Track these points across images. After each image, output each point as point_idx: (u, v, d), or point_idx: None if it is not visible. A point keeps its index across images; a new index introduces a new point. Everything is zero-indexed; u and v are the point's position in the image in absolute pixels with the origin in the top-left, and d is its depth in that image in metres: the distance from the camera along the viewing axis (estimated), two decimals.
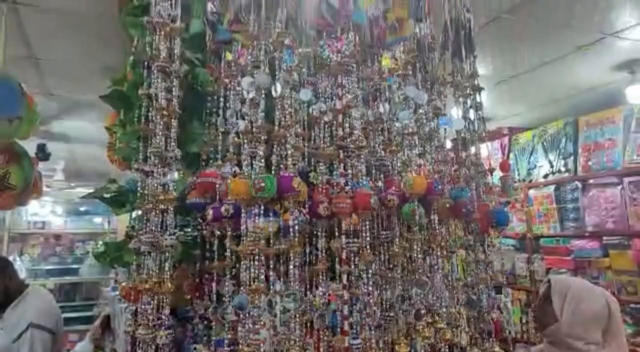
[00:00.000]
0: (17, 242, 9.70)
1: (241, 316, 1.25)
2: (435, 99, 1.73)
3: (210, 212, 1.42)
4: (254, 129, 1.26)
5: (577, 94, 4.57)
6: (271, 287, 1.27)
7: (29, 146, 3.12)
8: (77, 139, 6.09)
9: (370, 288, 1.37)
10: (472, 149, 1.68)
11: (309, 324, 1.40)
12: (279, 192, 1.21)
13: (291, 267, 1.27)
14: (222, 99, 1.65)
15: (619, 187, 4.08)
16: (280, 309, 1.27)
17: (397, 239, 1.54)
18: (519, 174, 5.24)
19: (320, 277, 1.38)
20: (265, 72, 1.28)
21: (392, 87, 1.67)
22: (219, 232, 1.51)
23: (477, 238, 1.64)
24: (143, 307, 1.38)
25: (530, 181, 5.07)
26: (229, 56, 1.65)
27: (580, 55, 3.68)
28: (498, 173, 2.12)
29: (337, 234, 1.38)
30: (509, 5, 2.94)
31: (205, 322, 1.62)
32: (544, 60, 3.80)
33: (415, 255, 1.51)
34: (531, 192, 4.99)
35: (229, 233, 1.44)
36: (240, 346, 1.21)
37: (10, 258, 6.69)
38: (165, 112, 1.40)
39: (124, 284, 1.78)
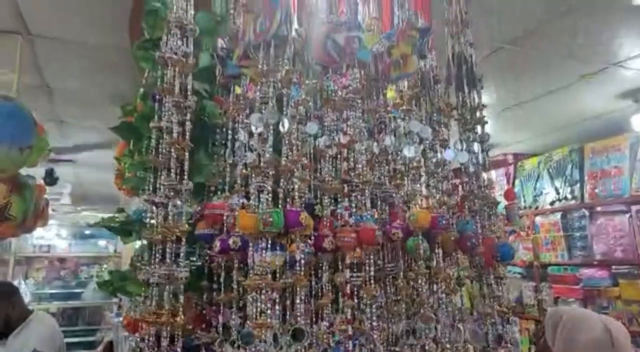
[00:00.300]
0: (22, 266, 9.72)
1: (247, 350, 1.24)
2: (440, 131, 1.75)
3: (217, 244, 1.43)
4: (262, 164, 1.28)
5: (582, 121, 4.59)
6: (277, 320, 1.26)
7: (37, 170, 3.18)
8: (84, 163, 6.16)
9: (375, 323, 1.36)
10: (477, 182, 1.69)
11: None
12: (286, 226, 1.22)
13: (297, 301, 1.27)
14: (230, 132, 1.68)
15: (627, 215, 4.06)
16: (286, 342, 1.27)
17: (401, 273, 1.54)
18: (525, 201, 5.23)
19: (325, 310, 1.38)
20: (274, 109, 1.31)
21: (397, 120, 1.70)
22: (225, 264, 1.51)
23: (482, 271, 1.64)
24: (150, 339, 1.37)
25: (537, 208, 5.05)
26: (238, 90, 1.69)
27: (584, 84, 3.71)
28: (503, 202, 2.12)
29: (341, 267, 1.38)
30: (511, 36, 2.99)
31: None
32: (547, 89, 3.84)
33: (420, 289, 1.50)
34: (537, 219, 4.97)
35: (236, 265, 1.44)
36: None
37: (15, 282, 6.70)
38: (178, 146, 1.42)
39: (130, 314, 1.78)
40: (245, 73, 1.56)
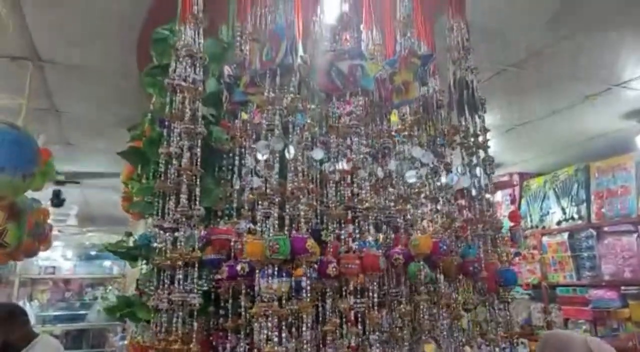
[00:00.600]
0: (27, 287, 9.70)
1: None
2: (444, 154, 1.76)
3: (225, 270, 1.43)
4: (268, 191, 1.30)
5: (587, 140, 4.59)
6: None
7: (44, 191, 3.19)
8: (91, 184, 6.21)
9: (379, 350, 1.35)
10: (479, 206, 1.69)
11: None
12: (292, 253, 1.23)
13: (304, 328, 1.26)
14: (237, 157, 1.70)
15: (635, 236, 4.02)
16: None
17: (404, 298, 1.53)
18: (531, 221, 5.20)
19: (329, 337, 1.37)
20: (280, 136, 1.33)
21: (400, 144, 1.71)
22: (232, 290, 1.51)
23: (485, 297, 1.63)
24: None
25: (544, 228, 5.02)
26: (245, 116, 1.71)
27: (589, 105, 3.73)
28: (508, 222, 2.12)
29: (344, 293, 1.38)
30: (515, 59, 3.02)
31: None
32: (552, 109, 3.85)
33: (422, 315, 1.50)
34: (545, 239, 4.93)
35: (243, 291, 1.44)
36: None
37: (20, 303, 6.68)
38: (189, 172, 1.45)
39: (137, 338, 1.77)
40: (252, 100, 1.58)
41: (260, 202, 1.34)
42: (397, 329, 1.53)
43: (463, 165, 1.69)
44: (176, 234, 1.49)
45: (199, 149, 1.52)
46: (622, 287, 4.07)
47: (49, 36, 2.77)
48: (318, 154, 1.48)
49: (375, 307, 1.36)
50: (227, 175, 1.79)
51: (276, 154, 1.33)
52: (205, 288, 1.72)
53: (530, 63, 3.06)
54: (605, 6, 2.46)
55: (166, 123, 1.64)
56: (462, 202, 1.78)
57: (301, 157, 1.42)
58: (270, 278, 1.22)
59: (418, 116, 1.66)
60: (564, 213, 4.79)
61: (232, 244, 1.50)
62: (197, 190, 1.48)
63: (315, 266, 1.36)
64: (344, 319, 1.41)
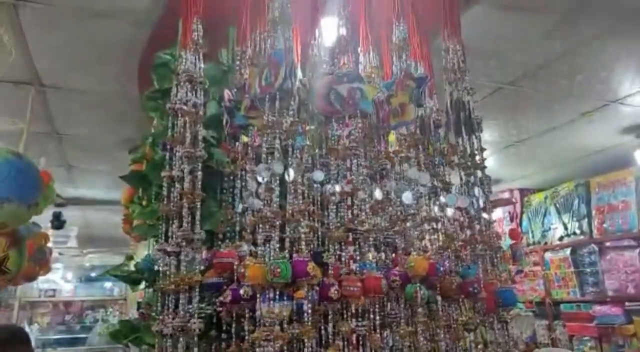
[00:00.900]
0: (27, 311, 9.62)
1: None
2: (443, 174, 1.77)
3: (229, 294, 1.42)
4: (268, 213, 1.30)
5: (586, 156, 4.60)
6: None
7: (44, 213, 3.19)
8: (91, 205, 6.20)
9: None
10: (479, 226, 1.69)
11: None
12: (293, 276, 1.22)
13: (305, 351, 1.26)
14: (238, 180, 1.71)
15: (637, 251, 4.01)
16: None
17: (402, 320, 1.52)
18: (533, 236, 5.18)
19: None
20: (280, 159, 1.34)
21: (398, 165, 1.72)
22: (235, 312, 1.50)
23: (485, 318, 1.62)
24: None
25: (546, 244, 5.00)
26: (245, 139, 1.73)
27: (586, 121, 3.75)
28: (508, 240, 2.11)
29: (345, 316, 1.37)
30: (511, 77, 3.05)
31: None
32: (549, 126, 3.88)
33: (420, 337, 1.48)
34: (547, 255, 4.91)
35: (247, 315, 1.43)
36: None
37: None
38: (190, 196, 1.45)
39: None
40: (252, 124, 1.60)
41: (261, 225, 1.34)
42: (398, 351, 1.52)
43: (461, 185, 1.70)
44: (180, 257, 1.49)
45: (199, 173, 1.53)
46: (627, 303, 4.04)
47: (50, 61, 2.81)
48: (319, 176, 1.49)
49: (378, 330, 1.35)
50: (228, 197, 1.79)
51: (276, 177, 1.34)
52: (209, 312, 1.71)
53: (526, 81, 3.09)
54: (600, 24, 2.50)
55: (168, 146, 1.66)
56: (461, 220, 1.78)
57: (301, 179, 1.43)
58: (271, 302, 1.22)
59: (415, 137, 1.67)
60: (566, 228, 4.78)
61: (235, 267, 1.50)
62: (198, 213, 1.48)
63: (317, 287, 1.36)
64: (345, 342, 1.40)
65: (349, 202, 1.46)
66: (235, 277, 1.48)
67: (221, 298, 1.52)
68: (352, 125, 1.50)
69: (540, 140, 4.16)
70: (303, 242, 1.30)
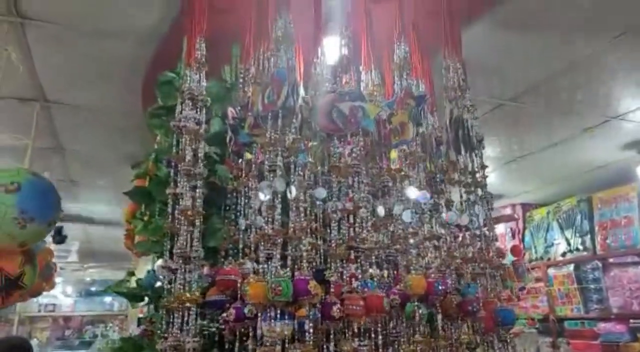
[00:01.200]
0: (26, 325, 9.55)
1: None
2: (444, 191, 1.77)
3: (233, 312, 1.41)
4: (270, 232, 1.30)
5: (588, 171, 4.60)
6: None
7: None
8: (92, 220, 6.21)
9: None
10: (479, 244, 1.69)
11: None
12: (294, 294, 1.22)
13: None
14: (242, 197, 1.71)
15: None
16: None
17: (402, 339, 1.51)
18: (536, 252, 5.15)
19: None
20: (282, 176, 1.34)
21: (398, 183, 1.72)
22: (237, 330, 1.50)
23: (484, 336, 1.60)
24: None
25: (548, 259, 4.97)
26: (249, 156, 1.74)
27: (588, 137, 3.76)
28: (511, 257, 2.10)
29: (347, 335, 1.36)
30: (512, 94, 3.07)
31: None
32: (551, 141, 3.88)
33: None
34: (550, 271, 4.87)
35: (251, 333, 1.42)
36: None
37: None
38: (189, 213, 1.46)
39: None
40: (256, 141, 1.61)
41: (262, 243, 1.34)
42: None
43: (461, 202, 1.70)
44: (186, 275, 1.49)
45: (201, 190, 1.54)
46: (631, 320, 4.00)
47: (55, 78, 2.85)
48: (321, 193, 1.49)
49: (380, 349, 1.34)
50: (231, 214, 1.80)
51: (278, 194, 1.34)
52: (213, 329, 1.70)
53: (528, 97, 3.11)
54: (600, 41, 2.52)
55: (172, 163, 1.67)
56: (461, 238, 1.78)
57: (303, 196, 1.43)
58: (272, 321, 1.22)
59: (416, 155, 1.68)
60: (569, 244, 4.75)
61: (238, 285, 1.49)
62: (198, 231, 1.48)
63: (319, 305, 1.35)
64: None
65: (351, 220, 1.46)
66: (239, 295, 1.47)
67: (224, 315, 1.52)
68: (354, 143, 1.51)
69: (542, 155, 4.16)
70: (305, 260, 1.30)
